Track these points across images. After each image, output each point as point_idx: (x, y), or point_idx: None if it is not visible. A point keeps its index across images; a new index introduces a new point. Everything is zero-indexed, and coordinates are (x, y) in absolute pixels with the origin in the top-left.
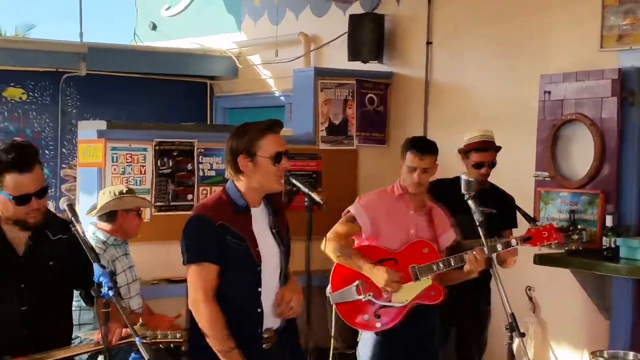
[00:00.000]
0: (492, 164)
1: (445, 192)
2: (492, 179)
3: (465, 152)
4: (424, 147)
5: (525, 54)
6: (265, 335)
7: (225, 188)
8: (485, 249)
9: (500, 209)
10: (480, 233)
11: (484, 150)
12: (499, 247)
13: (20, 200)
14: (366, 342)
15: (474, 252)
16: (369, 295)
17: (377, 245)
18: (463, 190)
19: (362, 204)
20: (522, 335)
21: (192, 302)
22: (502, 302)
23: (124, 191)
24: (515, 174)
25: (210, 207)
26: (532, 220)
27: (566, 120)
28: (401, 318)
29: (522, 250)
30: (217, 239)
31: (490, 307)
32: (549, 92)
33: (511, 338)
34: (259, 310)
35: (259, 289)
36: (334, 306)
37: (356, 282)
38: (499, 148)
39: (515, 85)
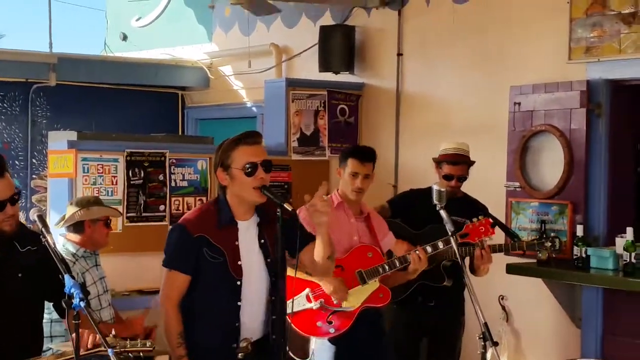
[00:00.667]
0: (462, 178)
1: (417, 201)
2: (464, 188)
3: (438, 162)
4: (365, 154)
5: (495, 66)
6: (241, 345)
7: (216, 198)
8: (427, 247)
9: (470, 217)
10: (452, 243)
11: (455, 164)
12: (440, 245)
13: None
14: (320, 351)
15: (417, 252)
16: (320, 302)
17: None
18: (435, 200)
19: (302, 217)
20: (496, 344)
21: (159, 302)
22: (475, 311)
23: (91, 201)
24: (487, 184)
25: (193, 218)
26: (506, 228)
27: (536, 131)
28: (353, 322)
29: (495, 260)
30: (192, 250)
31: (464, 317)
32: (519, 104)
33: (484, 347)
34: (236, 324)
35: (238, 303)
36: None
37: (306, 291)
38: (472, 162)
39: (485, 96)
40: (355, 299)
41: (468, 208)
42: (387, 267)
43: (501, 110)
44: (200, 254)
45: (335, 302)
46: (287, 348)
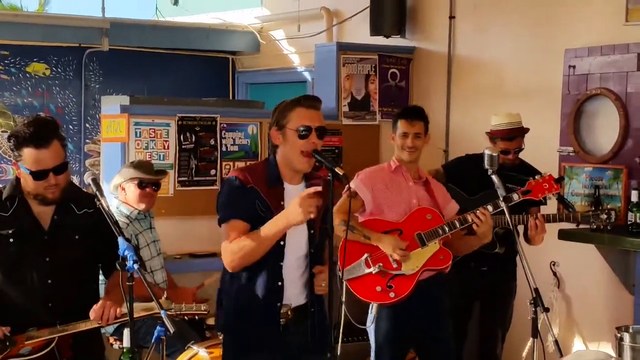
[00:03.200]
0: (519, 150)
1: (472, 167)
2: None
3: (491, 137)
4: (413, 112)
5: (549, 28)
6: (282, 311)
7: (267, 158)
8: (488, 206)
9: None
10: (504, 208)
11: (511, 139)
12: (502, 204)
13: (38, 175)
14: (380, 317)
15: (479, 211)
16: (379, 266)
17: (381, 218)
18: (486, 165)
19: (361, 179)
20: (547, 310)
21: (223, 254)
22: (526, 277)
23: (127, 164)
24: (539, 149)
25: (247, 171)
26: (562, 198)
27: (591, 95)
28: (413, 286)
29: (547, 225)
30: (247, 199)
31: (516, 283)
32: (574, 67)
33: (535, 313)
34: (279, 283)
35: (280, 263)
36: (344, 283)
37: (365, 256)
38: (526, 131)
39: (539, 59)
40: (416, 262)
41: (524, 175)
42: (446, 228)
43: (555, 73)
44: (253, 205)
45: (394, 265)
46: (336, 320)
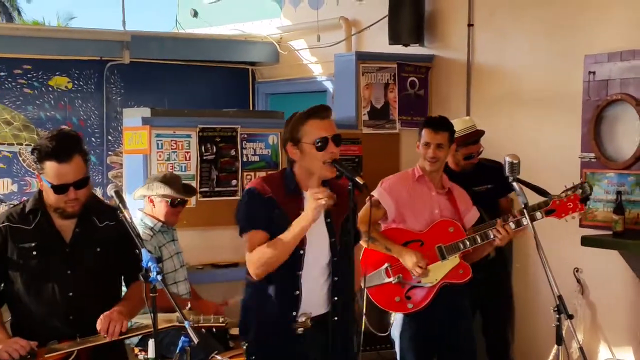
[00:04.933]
0: (479, 153)
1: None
2: (540, 160)
3: (458, 144)
4: (437, 123)
5: (568, 34)
6: (299, 320)
7: (284, 169)
8: (511, 224)
9: (492, 180)
10: (526, 215)
11: (475, 142)
12: (525, 221)
13: (58, 189)
14: (398, 323)
15: (502, 228)
16: (399, 277)
17: (403, 228)
18: (507, 173)
19: (384, 187)
20: (571, 317)
21: (247, 263)
22: (549, 284)
23: (159, 177)
24: (560, 155)
25: (264, 181)
26: (531, 185)
27: (611, 101)
28: (431, 298)
29: (570, 232)
30: (266, 209)
31: (511, 283)
32: (594, 73)
33: (559, 320)
34: (296, 292)
35: (299, 272)
36: (364, 290)
37: (385, 265)
38: (483, 133)
39: (558, 66)
40: (435, 275)
41: (486, 172)
42: (467, 243)
43: (575, 79)
44: (272, 214)
45: (414, 277)
46: (358, 328)
